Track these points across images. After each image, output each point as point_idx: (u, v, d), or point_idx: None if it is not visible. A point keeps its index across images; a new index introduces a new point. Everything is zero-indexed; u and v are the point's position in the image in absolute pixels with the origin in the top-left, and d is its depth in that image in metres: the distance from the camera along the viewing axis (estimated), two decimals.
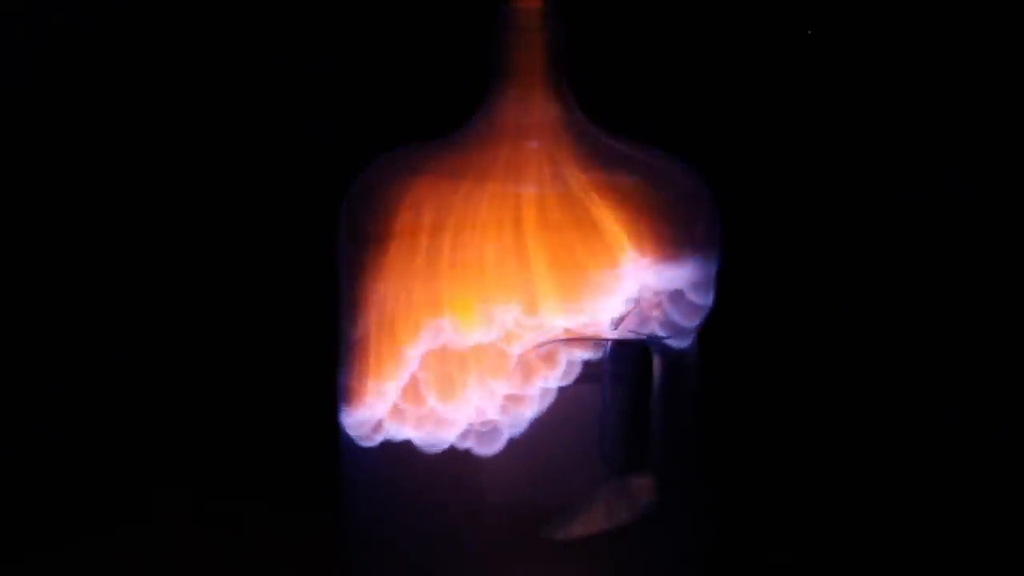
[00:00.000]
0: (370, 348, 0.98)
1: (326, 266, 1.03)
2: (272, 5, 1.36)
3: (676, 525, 1.03)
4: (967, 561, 1.17)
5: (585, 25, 1.03)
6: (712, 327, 1.02)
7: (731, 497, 1.23)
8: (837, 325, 1.39)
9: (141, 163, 1.40)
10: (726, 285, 1.02)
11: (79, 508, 1.26)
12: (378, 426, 0.99)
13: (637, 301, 0.97)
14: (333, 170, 1.06)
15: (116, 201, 1.40)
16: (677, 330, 1.00)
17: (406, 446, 0.98)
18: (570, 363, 0.98)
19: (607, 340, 0.98)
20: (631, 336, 0.98)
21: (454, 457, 0.98)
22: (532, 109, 1.00)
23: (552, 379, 0.98)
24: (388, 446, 0.99)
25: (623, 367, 1.01)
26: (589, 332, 0.97)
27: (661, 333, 0.99)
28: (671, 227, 0.98)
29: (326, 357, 1.03)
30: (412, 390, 0.97)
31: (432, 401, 0.97)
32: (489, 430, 0.98)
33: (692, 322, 1.00)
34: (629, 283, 0.96)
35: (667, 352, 1.01)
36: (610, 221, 0.96)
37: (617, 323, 0.97)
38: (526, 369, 0.97)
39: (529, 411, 0.98)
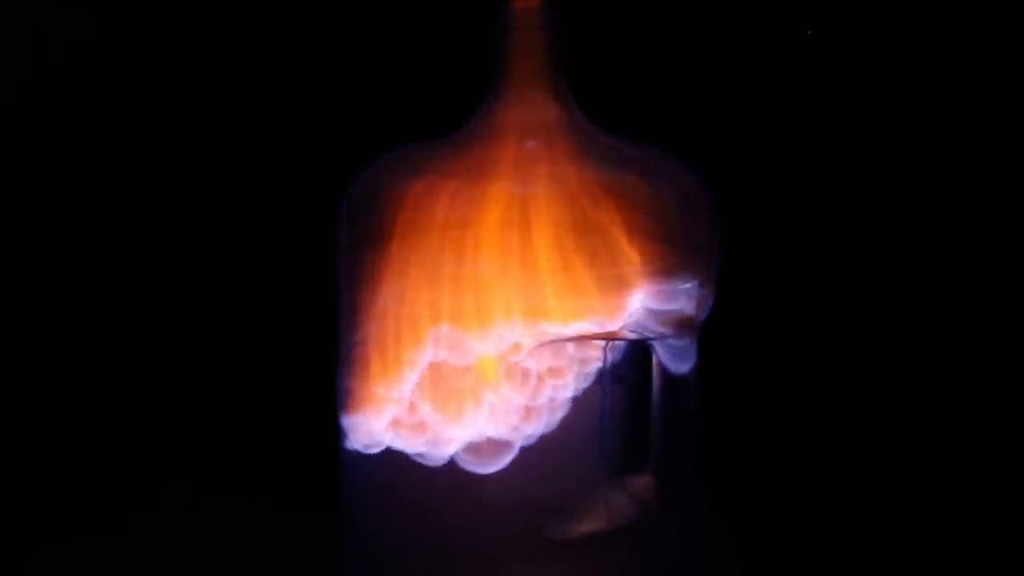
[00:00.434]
0: (371, 354, 0.98)
1: (326, 267, 1.03)
2: (273, 5, 1.36)
3: (676, 525, 1.03)
4: (967, 561, 1.17)
5: (585, 25, 1.03)
6: (712, 327, 1.02)
7: (731, 497, 1.23)
8: (837, 325, 1.39)
9: (141, 163, 1.40)
10: (725, 285, 1.02)
11: (79, 510, 1.25)
12: (378, 434, 0.99)
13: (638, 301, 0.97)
14: (333, 170, 1.06)
15: (116, 201, 1.40)
16: (678, 329, 1.00)
17: (405, 454, 0.98)
18: (577, 375, 0.98)
19: (607, 340, 0.98)
20: (631, 336, 0.98)
21: (453, 467, 0.98)
22: (532, 109, 1.00)
23: (560, 390, 0.98)
24: (387, 453, 0.99)
25: (623, 367, 1.01)
26: (590, 333, 0.97)
27: (661, 333, 0.99)
28: (671, 227, 0.98)
29: (326, 358, 1.03)
30: (413, 399, 0.97)
31: (431, 413, 0.97)
32: (490, 444, 0.98)
33: (691, 321, 1.00)
34: (629, 283, 0.96)
35: (667, 354, 1.01)
36: (610, 221, 0.96)
37: (614, 336, 0.97)
38: (529, 380, 0.97)
39: (533, 426, 0.98)
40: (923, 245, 1.38)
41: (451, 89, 1.09)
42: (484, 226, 0.96)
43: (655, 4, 1.33)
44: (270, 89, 1.38)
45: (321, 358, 1.04)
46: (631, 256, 0.96)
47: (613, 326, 0.97)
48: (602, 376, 1.00)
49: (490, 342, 0.96)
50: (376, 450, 0.99)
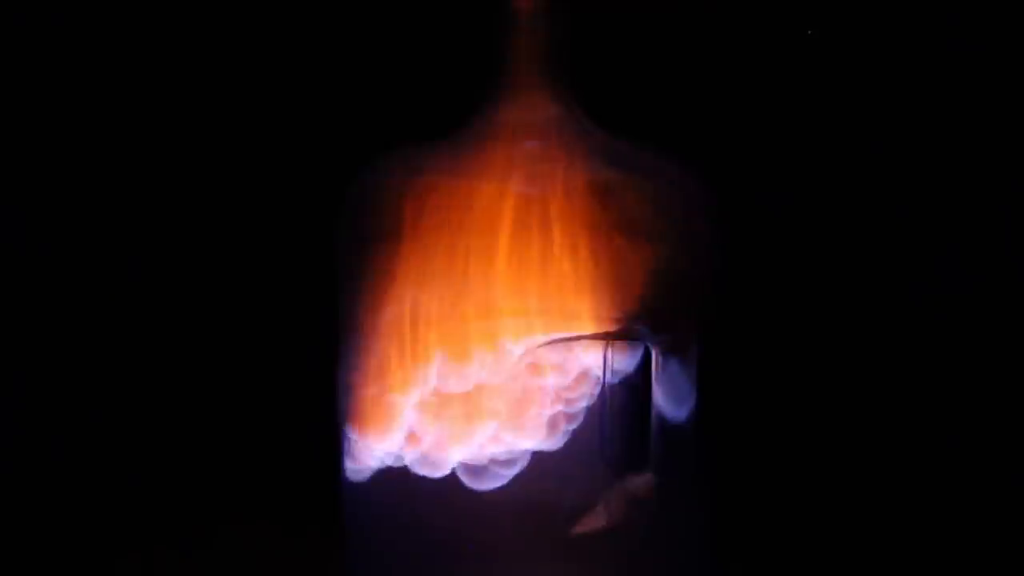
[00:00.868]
0: (372, 363, 0.98)
1: (326, 267, 1.03)
2: (273, 5, 1.36)
3: (676, 525, 1.03)
4: (967, 561, 1.17)
5: (585, 25, 1.03)
6: (712, 326, 1.02)
7: (731, 496, 1.23)
8: (837, 325, 1.39)
9: (141, 164, 1.40)
10: (726, 285, 1.02)
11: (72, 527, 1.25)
12: (381, 446, 0.99)
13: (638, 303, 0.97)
14: (333, 170, 1.05)
15: (116, 201, 1.40)
16: (678, 329, 1.00)
17: (407, 468, 0.99)
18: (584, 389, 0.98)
19: (608, 340, 0.98)
20: (631, 336, 0.98)
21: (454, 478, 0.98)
22: (532, 109, 1.00)
23: (571, 404, 0.98)
24: (391, 460, 0.99)
25: (623, 367, 1.01)
26: (590, 334, 0.97)
27: (661, 332, 0.99)
28: (671, 227, 0.98)
29: (326, 359, 1.03)
30: (415, 410, 0.97)
31: (433, 428, 0.97)
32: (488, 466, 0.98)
33: (694, 322, 1.00)
34: (630, 283, 0.96)
35: (667, 397, 1.01)
36: (610, 220, 0.96)
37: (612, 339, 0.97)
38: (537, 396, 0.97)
39: (537, 444, 0.98)
40: (924, 245, 1.38)
41: (451, 89, 1.09)
42: (485, 226, 0.96)
43: (655, 4, 1.33)
44: (270, 89, 1.38)
45: (321, 359, 1.04)
46: (631, 256, 0.95)
47: (613, 326, 0.97)
48: (602, 377, 0.99)
49: (492, 343, 0.96)
50: (378, 463, 0.99)
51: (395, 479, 0.99)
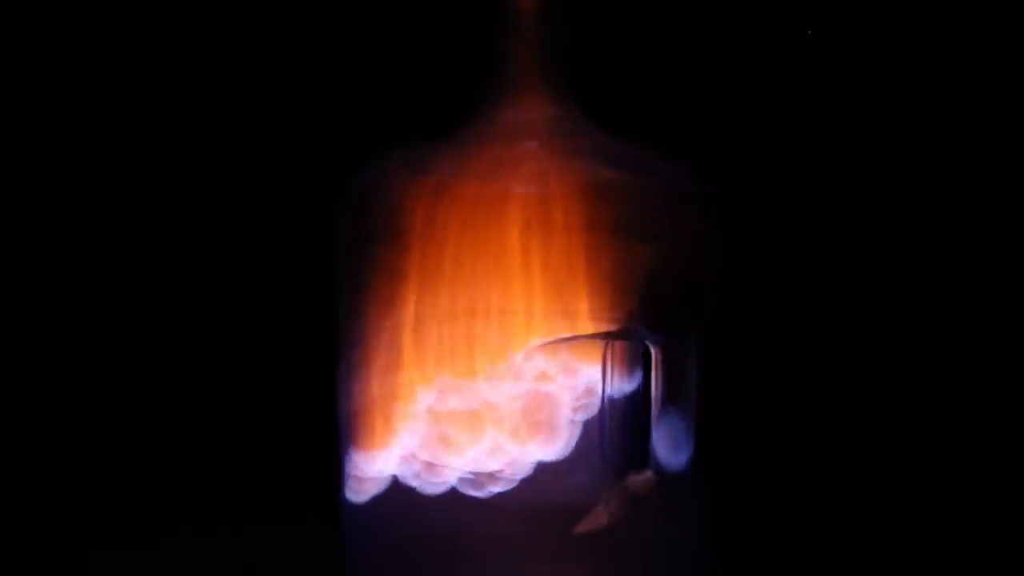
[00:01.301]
0: (372, 369, 0.97)
1: (326, 268, 1.03)
2: (273, 5, 1.36)
3: (676, 524, 1.03)
4: (967, 561, 1.17)
5: (585, 25, 1.03)
6: (712, 326, 1.02)
7: (731, 496, 1.23)
8: (838, 324, 1.39)
9: (141, 164, 1.40)
10: (726, 285, 1.02)
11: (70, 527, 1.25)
12: (382, 460, 0.99)
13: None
14: (333, 170, 1.05)
15: (116, 202, 1.40)
16: (678, 328, 1.00)
17: (408, 473, 0.99)
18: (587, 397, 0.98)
19: (608, 341, 0.98)
20: (631, 335, 0.98)
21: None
22: (531, 109, 1.00)
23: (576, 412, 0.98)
24: (390, 472, 0.99)
25: (623, 367, 1.01)
26: (590, 333, 0.97)
27: (661, 332, 0.99)
28: (671, 227, 0.98)
29: (326, 360, 1.03)
30: (418, 419, 0.97)
31: (436, 442, 0.97)
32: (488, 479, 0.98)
33: (693, 322, 1.00)
34: (629, 283, 0.96)
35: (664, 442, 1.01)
36: (610, 221, 0.96)
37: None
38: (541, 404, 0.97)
39: (539, 453, 0.98)
40: (923, 245, 1.38)
41: (451, 89, 1.09)
42: (485, 226, 0.96)
43: (654, 4, 1.33)
44: (270, 89, 1.38)
45: (321, 360, 1.04)
46: (631, 256, 0.95)
47: (613, 326, 0.97)
48: (602, 377, 0.99)
49: (494, 343, 0.96)
50: (379, 473, 0.99)
51: (395, 484, 0.99)
